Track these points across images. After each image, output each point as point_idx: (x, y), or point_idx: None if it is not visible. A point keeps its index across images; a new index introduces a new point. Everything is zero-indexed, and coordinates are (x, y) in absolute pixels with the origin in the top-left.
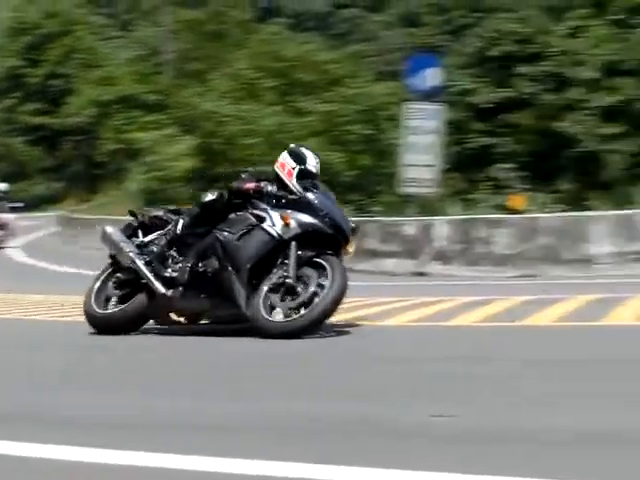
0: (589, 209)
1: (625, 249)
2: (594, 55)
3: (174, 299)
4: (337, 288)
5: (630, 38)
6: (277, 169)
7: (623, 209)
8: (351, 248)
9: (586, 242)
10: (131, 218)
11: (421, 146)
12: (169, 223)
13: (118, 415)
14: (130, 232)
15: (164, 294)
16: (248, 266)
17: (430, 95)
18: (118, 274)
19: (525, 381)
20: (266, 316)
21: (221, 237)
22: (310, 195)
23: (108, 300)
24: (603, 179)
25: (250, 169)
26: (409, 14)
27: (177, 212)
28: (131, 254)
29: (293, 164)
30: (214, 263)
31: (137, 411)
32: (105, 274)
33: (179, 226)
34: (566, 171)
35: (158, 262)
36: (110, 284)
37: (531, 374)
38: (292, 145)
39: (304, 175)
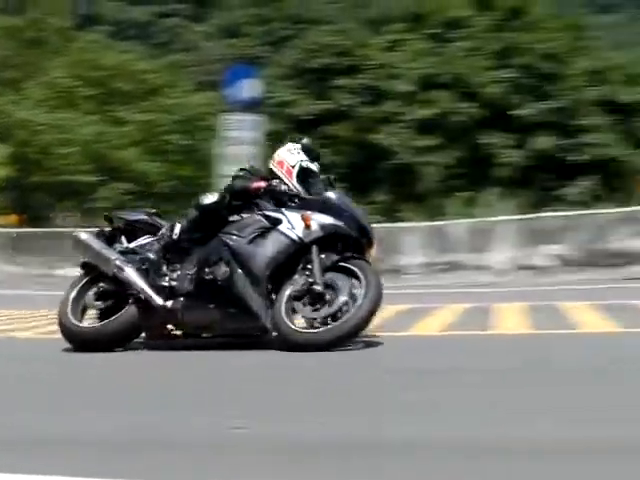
0: (402, 220)
1: (436, 260)
2: (410, 69)
3: (175, 311)
4: (373, 297)
5: (445, 52)
6: (274, 167)
7: (435, 220)
8: (374, 252)
9: (399, 253)
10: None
11: (239, 157)
12: (156, 227)
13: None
14: (104, 238)
15: (163, 306)
16: (267, 273)
17: (249, 106)
18: (101, 284)
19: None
20: (292, 326)
21: (229, 242)
22: (331, 194)
23: (84, 312)
24: (418, 191)
25: (246, 167)
26: (230, 25)
27: (158, 215)
28: (118, 262)
29: (293, 162)
30: (223, 270)
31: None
32: (81, 283)
33: (176, 230)
34: (382, 183)
35: (153, 270)
36: (90, 295)
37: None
38: (289, 142)
39: (304, 173)
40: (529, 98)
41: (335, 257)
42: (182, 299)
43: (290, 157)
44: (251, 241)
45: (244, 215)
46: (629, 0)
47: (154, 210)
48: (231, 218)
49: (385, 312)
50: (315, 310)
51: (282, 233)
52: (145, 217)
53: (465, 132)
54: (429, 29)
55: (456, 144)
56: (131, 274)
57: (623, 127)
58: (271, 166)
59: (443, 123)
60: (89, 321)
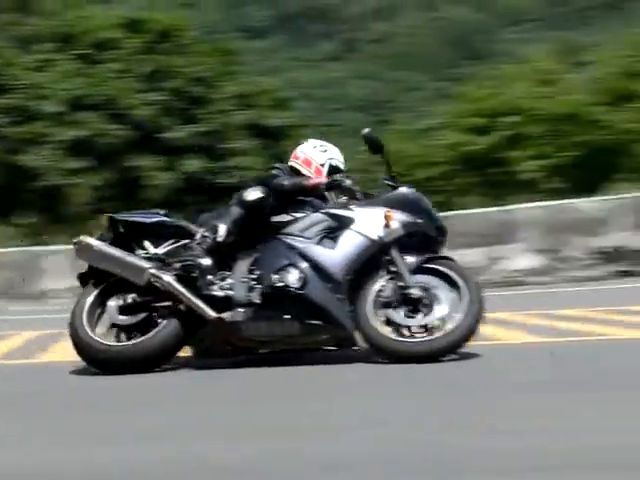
0: (47, 243)
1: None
2: (60, 89)
3: (236, 324)
4: (479, 302)
5: (95, 73)
6: (299, 166)
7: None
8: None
9: (44, 277)
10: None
11: None
12: (183, 230)
13: None
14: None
15: (218, 318)
16: (348, 277)
17: None
18: (128, 296)
19: None
20: (389, 335)
21: (296, 243)
22: (404, 189)
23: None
24: (65, 213)
25: (278, 165)
26: None
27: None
28: (153, 270)
29: (322, 159)
30: (297, 276)
31: None
32: (92, 296)
33: (221, 232)
34: (28, 205)
35: (200, 278)
36: (112, 309)
37: None
38: (311, 139)
39: (332, 173)
40: (179, 121)
41: (419, 258)
42: (244, 310)
43: (318, 155)
44: (321, 242)
45: (297, 214)
46: (280, 27)
47: (163, 211)
48: (278, 218)
49: (20, 338)
50: (410, 317)
51: (358, 232)
52: (167, 219)
53: (115, 154)
54: (79, 50)
55: (106, 166)
56: (173, 283)
57: (270, 151)
58: (293, 164)
59: (93, 145)
60: (111, 339)
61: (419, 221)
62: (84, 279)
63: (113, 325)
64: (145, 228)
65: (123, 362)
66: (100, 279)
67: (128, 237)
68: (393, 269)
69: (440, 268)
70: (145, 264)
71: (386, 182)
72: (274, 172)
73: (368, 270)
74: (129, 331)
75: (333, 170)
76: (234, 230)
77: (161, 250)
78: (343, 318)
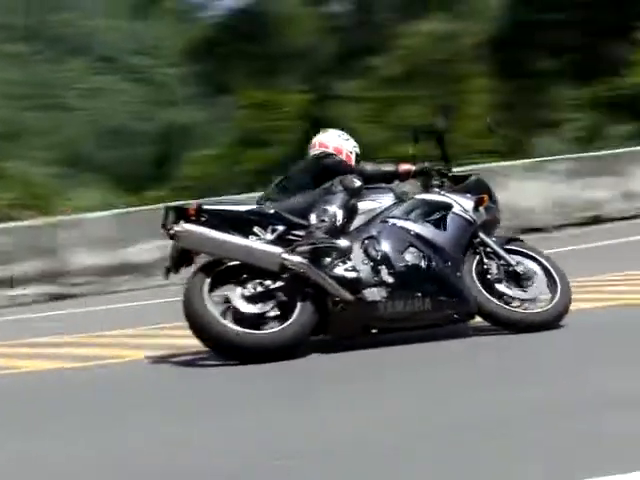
0: None
1: None
2: None
3: (376, 304)
4: (566, 278)
5: None
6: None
7: None
8: None
9: None
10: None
11: None
12: (278, 216)
13: None
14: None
15: (358, 299)
16: (461, 256)
17: None
18: (250, 283)
19: None
20: (505, 306)
21: (407, 226)
22: (474, 177)
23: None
24: None
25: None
26: None
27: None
28: (285, 255)
29: (350, 147)
30: (421, 255)
31: None
32: (205, 285)
33: (339, 217)
34: None
35: (329, 261)
36: (237, 297)
37: None
38: (330, 129)
39: (356, 160)
40: None
41: (500, 239)
42: (378, 290)
43: (345, 143)
44: (428, 224)
45: (382, 200)
46: None
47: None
48: (364, 204)
49: None
50: (523, 290)
51: (460, 216)
52: (257, 207)
53: None
54: None
55: None
56: (310, 266)
57: None
58: (322, 152)
59: None
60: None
61: (493, 206)
62: (176, 267)
63: (237, 314)
64: (238, 217)
65: (276, 349)
66: (207, 267)
67: (216, 226)
68: (487, 249)
69: (520, 249)
70: (277, 249)
71: (451, 173)
72: (329, 160)
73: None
74: (254, 320)
75: (357, 157)
76: (345, 215)
77: (270, 236)
78: (467, 294)
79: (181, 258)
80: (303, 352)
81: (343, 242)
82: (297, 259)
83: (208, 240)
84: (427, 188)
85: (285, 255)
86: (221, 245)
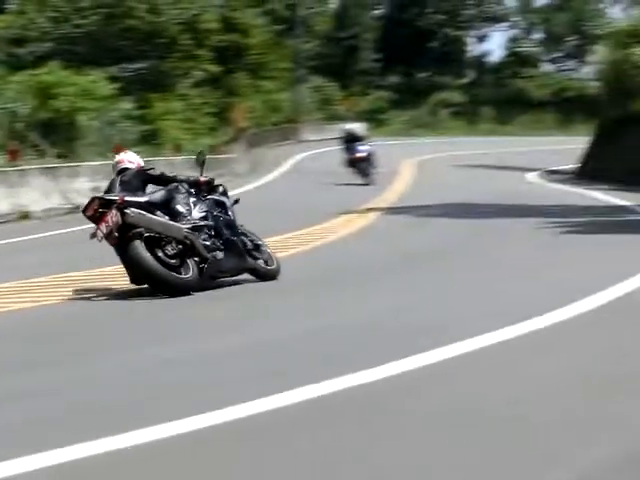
0: None
1: None
2: None
3: (219, 262)
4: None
5: None
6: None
7: None
8: None
9: None
10: None
11: None
12: None
13: None
14: None
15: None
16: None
17: None
18: (174, 245)
19: None
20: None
21: (219, 214)
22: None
23: None
24: None
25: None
26: None
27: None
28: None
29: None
30: (231, 232)
31: None
32: (143, 242)
33: None
34: None
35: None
36: (164, 253)
37: None
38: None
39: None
40: None
41: None
42: (218, 253)
43: (141, 160)
44: (223, 213)
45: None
46: None
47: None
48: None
49: None
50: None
51: (230, 209)
52: (149, 198)
53: None
54: None
55: None
56: (194, 237)
57: None
58: (134, 166)
59: None
60: None
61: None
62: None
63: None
64: (141, 204)
65: (182, 287)
66: (138, 235)
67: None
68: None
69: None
70: (182, 226)
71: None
72: (153, 172)
73: None
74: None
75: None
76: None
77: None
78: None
79: (120, 231)
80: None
81: (204, 223)
82: (190, 233)
83: (149, 220)
84: (211, 192)
85: (185, 230)
86: (154, 222)
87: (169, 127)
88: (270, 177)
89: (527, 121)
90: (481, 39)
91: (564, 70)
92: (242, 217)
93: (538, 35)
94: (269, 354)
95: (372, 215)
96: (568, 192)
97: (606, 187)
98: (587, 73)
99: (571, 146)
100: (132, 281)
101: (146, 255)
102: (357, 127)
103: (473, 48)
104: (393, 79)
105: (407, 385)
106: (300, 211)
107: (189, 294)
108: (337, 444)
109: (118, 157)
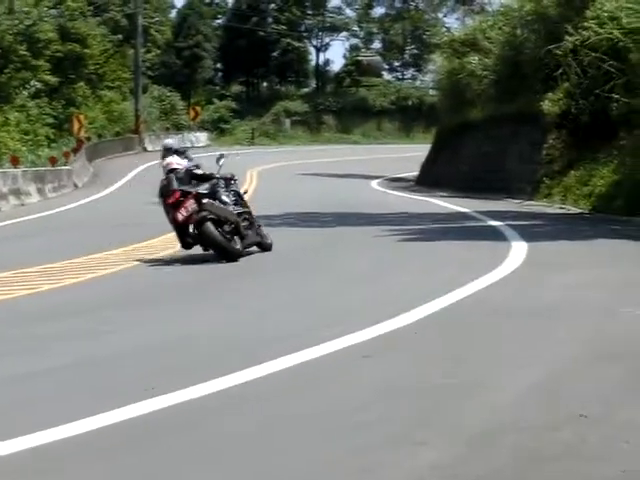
0: None
1: None
2: None
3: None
4: None
5: None
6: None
7: None
8: None
9: None
10: None
11: None
12: None
13: None
14: None
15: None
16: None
17: None
18: (230, 224)
19: None
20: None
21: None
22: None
23: None
24: None
25: None
26: None
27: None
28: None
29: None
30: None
31: None
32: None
33: None
34: None
35: None
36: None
37: None
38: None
39: None
40: None
41: None
42: (247, 231)
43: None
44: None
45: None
46: None
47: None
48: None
49: None
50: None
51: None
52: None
53: None
54: None
55: None
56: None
57: None
58: (182, 167)
59: None
60: None
61: None
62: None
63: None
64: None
65: (236, 254)
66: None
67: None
68: None
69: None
70: (234, 210)
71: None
72: (198, 171)
73: None
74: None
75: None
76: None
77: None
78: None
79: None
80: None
81: (242, 210)
82: (237, 216)
83: (217, 207)
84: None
85: (236, 215)
86: (220, 209)
87: (7, 139)
88: (111, 189)
89: (369, 129)
90: (322, 48)
91: (404, 79)
92: (83, 231)
93: (377, 44)
94: (97, 371)
95: None
96: (409, 199)
97: (445, 194)
98: (426, 82)
99: (412, 153)
100: (182, 246)
101: (216, 232)
102: (172, 142)
103: (314, 57)
104: (236, 88)
105: (223, 403)
106: (142, 223)
107: (238, 261)
108: (154, 464)
109: (167, 160)
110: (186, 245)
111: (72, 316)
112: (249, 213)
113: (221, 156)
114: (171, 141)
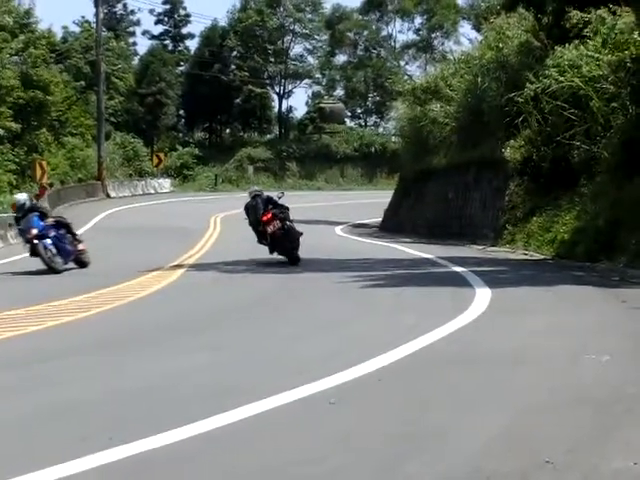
0: None
1: None
2: None
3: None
4: None
5: None
6: None
7: None
8: None
9: None
10: None
11: None
12: None
13: None
14: None
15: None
16: None
17: None
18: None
19: None
20: None
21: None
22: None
23: None
24: None
25: None
26: None
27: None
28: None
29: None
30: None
31: None
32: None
33: None
34: None
35: None
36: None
37: None
38: None
39: None
40: None
41: None
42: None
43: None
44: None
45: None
46: None
47: None
48: None
49: None
50: None
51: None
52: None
53: None
54: None
55: None
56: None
57: None
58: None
59: None
60: None
61: None
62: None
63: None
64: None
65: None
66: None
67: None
68: None
69: None
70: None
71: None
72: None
73: None
74: None
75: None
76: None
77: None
78: None
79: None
80: None
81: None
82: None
83: (293, 227)
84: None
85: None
86: (294, 228)
87: None
88: None
89: (332, 175)
90: (285, 95)
91: (367, 125)
92: (46, 278)
93: (340, 91)
94: (38, 426)
95: (179, 272)
96: (373, 245)
97: (409, 240)
98: (389, 128)
99: (375, 200)
100: (271, 252)
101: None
102: (23, 198)
103: (277, 104)
104: (199, 135)
105: (176, 457)
106: (105, 269)
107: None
108: None
109: (255, 188)
110: (265, 244)
111: (28, 364)
112: None
113: (282, 194)
114: (20, 197)
